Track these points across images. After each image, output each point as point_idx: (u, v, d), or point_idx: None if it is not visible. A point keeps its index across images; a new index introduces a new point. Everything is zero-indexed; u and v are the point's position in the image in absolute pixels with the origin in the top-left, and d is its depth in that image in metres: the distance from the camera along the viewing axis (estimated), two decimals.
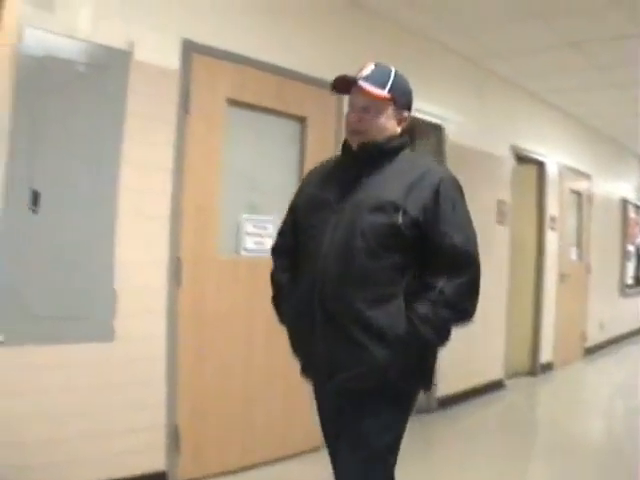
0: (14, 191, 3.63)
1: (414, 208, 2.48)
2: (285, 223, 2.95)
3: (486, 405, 7.30)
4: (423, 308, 2.45)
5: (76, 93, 3.88)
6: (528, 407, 7.93)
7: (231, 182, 4.73)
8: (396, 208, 2.47)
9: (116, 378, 4.04)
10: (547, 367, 9.19)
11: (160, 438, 4.30)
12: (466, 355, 6.95)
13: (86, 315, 3.93)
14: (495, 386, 7.84)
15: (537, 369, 8.98)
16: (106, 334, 3.99)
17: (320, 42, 5.27)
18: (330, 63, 4.90)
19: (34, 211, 3.69)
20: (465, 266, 2.52)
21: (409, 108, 2.73)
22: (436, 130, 6.76)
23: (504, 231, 7.94)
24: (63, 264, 3.82)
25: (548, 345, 9.22)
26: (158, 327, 4.26)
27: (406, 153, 2.71)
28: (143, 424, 4.21)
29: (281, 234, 2.96)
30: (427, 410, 6.57)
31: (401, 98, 2.66)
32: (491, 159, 7.69)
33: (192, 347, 4.45)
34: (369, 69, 2.63)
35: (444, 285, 2.46)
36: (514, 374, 8.53)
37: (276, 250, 2.94)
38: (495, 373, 7.93)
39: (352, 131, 2.66)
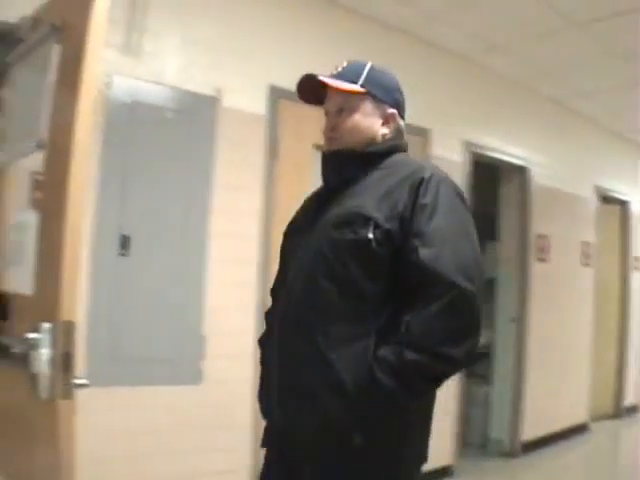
0: (104, 236, 3.72)
1: (388, 218, 1.93)
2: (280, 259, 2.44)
3: (571, 449, 7.12)
4: (384, 350, 1.86)
5: (164, 139, 3.97)
6: (613, 451, 7.75)
7: None
8: (366, 220, 1.93)
9: (202, 421, 4.07)
10: (632, 410, 8.96)
11: None
12: (550, 399, 6.86)
13: (174, 358, 3.97)
14: (579, 430, 7.64)
15: (622, 412, 8.75)
16: (194, 377, 4.03)
17: (406, 87, 5.28)
18: (412, 106, 4.90)
19: (124, 255, 3.76)
20: (438, 291, 1.84)
21: (398, 107, 2.27)
22: (521, 172, 6.72)
23: (589, 273, 7.81)
24: (152, 307, 3.89)
25: (632, 387, 8.99)
26: (246, 371, 4.25)
27: (398, 157, 2.18)
28: (228, 467, 4.22)
29: (278, 271, 2.40)
30: (511, 455, 6.48)
31: (381, 92, 2.20)
32: (576, 200, 7.58)
33: None
34: (341, 67, 2.26)
35: (410, 319, 1.85)
36: (598, 417, 8.32)
37: (271, 289, 2.41)
38: (579, 416, 7.73)
39: (327, 140, 2.20)
